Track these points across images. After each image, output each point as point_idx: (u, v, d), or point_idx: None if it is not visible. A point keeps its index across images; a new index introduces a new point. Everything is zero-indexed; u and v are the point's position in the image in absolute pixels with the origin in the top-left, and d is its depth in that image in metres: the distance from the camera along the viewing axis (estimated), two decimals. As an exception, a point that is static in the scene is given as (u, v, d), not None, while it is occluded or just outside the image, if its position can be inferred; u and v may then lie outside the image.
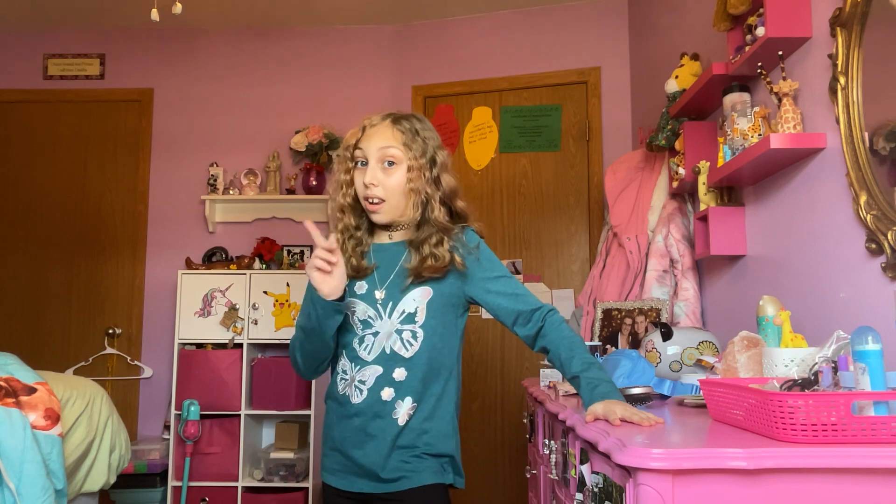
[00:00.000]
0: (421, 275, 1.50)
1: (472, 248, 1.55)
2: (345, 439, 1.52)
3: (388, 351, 1.50)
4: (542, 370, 2.47)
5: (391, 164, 1.52)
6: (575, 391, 1.54)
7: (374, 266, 1.55)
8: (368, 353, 1.51)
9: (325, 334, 1.48)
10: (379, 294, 1.53)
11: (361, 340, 1.52)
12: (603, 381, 1.42)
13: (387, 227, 1.58)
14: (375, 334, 1.51)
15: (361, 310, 1.53)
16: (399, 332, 1.51)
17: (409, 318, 1.51)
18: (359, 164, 1.54)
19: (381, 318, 1.52)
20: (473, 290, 1.55)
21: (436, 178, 1.55)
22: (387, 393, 1.49)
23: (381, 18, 4.16)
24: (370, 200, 1.52)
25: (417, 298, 1.51)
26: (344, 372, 1.54)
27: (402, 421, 1.49)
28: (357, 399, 1.51)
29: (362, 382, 1.51)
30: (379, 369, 1.50)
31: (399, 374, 1.50)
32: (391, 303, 1.52)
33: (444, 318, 1.54)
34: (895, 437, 1.04)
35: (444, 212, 1.54)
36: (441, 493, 1.51)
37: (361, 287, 1.54)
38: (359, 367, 1.52)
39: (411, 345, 1.50)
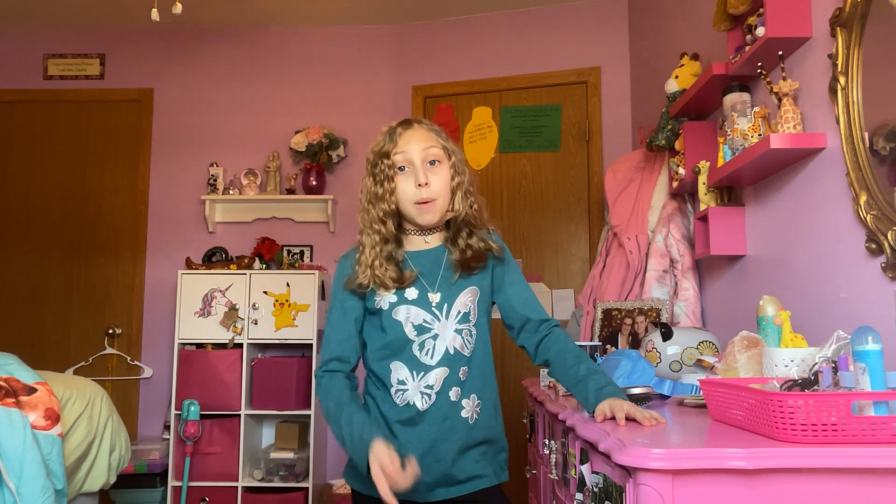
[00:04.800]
0: (468, 265, 1.54)
1: (499, 247, 1.60)
2: (412, 448, 1.49)
3: (451, 351, 1.51)
4: (542, 370, 2.47)
5: (433, 163, 1.53)
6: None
7: (417, 273, 1.54)
8: (432, 358, 1.51)
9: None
10: (433, 297, 1.53)
11: (422, 346, 1.51)
12: (609, 383, 1.44)
13: (422, 232, 1.58)
14: (435, 337, 1.51)
15: (416, 315, 1.52)
16: (458, 331, 1.52)
17: (465, 317, 1.53)
18: (399, 169, 1.53)
19: (438, 320, 1.52)
20: (494, 288, 1.60)
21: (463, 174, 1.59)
22: (454, 393, 1.51)
23: (381, 18, 4.16)
24: (423, 201, 1.52)
25: (470, 298, 1.54)
26: (401, 383, 1.51)
27: (471, 420, 1.52)
28: (425, 405, 1.50)
29: (429, 387, 1.50)
30: (446, 371, 1.51)
31: (463, 372, 1.52)
32: (446, 304, 1.53)
33: (489, 317, 1.60)
34: (895, 437, 1.04)
35: (473, 206, 1.58)
36: (502, 492, 1.58)
37: (412, 293, 1.53)
38: (422, 373, 1.51)
39: (470, 343, 1.53)
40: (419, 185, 1.51)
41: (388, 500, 1.31)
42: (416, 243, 1.59)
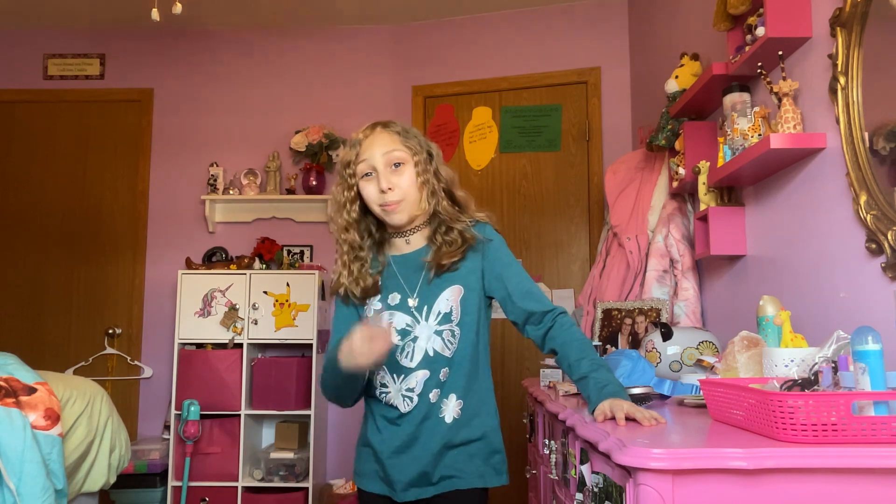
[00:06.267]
0: (441, 264, 1.52)
1: (489, 240, 1.58)
2: (390, 444, 1.52)
3: (431, 353, 1.51)
4: (542, 370, 2.47)
5: (398, 165, 1.53)
6: (576, 391, 1.54)
7: (378, 280, 1.55)
8: (411, 360, 1.52)
9: (359, 380, 1.51)
10: (412, 301, 1.54)
11: (402, 349, 1.52)
12: (611, 381, 1.43)
13: (402, 234, 1.58)
14: (415, 340, 1.52)
15: (398, 320, 1.53)
16: (439, 332, 1.52)
17: (446, 318, 1.53)
18: (363, 176, 1.54)
19: (418, 322, 1.52)
20: (490, 283, 1.57)
21: (436, 171, 1.58)
22: (434, 394, 1.51)
23: (381, 18, 4.16)
24: (388, 204, 1.52)
25: (450, 298, 1.53)
26: (384, 386, 1.54)
27: (448, 419, 1.51)
28: (407, 407, 1.51)
29: (411, 390, 1.51)
30: (426, 373, 1.51)
31: (444, 373, 1.52)
32: (426, 306, 1.53)
33: (479, 315, 1.56)
34: (895, 437, 1.04)
35: (448, 202, 1.57)
36: (481, 498, 1.55)
37: (395, 298, 1.54)
38: (403, 376, 1.52)
39: (452, 344, 1.52)
40: (381, 190, 1.51)
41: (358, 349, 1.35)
42: (398, 246, 1.60)
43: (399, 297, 1.54)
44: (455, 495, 1.51)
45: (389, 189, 1.51)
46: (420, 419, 1.50)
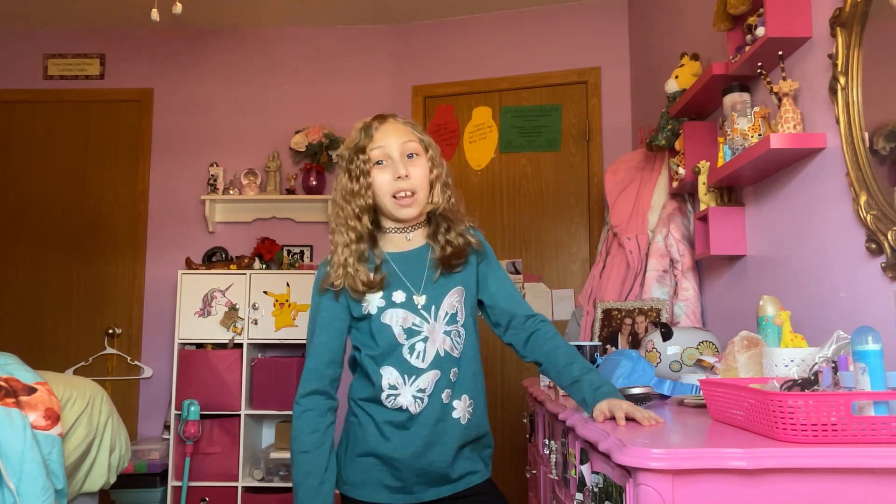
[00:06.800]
0: (448, 263, 1.52)
1: (479, 241, 1.59)
2: (405, 450, 1.49)
3: (442, 353, 1.50)
4: (542, 370, 2.46)
5: (411, 156, 1.52)
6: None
7: (385, 276, 1.51)
8: (422, 360, 1.49)
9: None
10: (419, 299, 1.51)
11: (412, 349, 1.49)
12: (605, 383, 1.43)
13: (403, 230, 1.55)
14: (425, 340, 1.50)
15: (403, 318, 1.50)
16: (448, 332, 1.51)
17: (453, 318, 1.52)
18: (375, 164, 1.51)
19: (427, 322, 1.50)
20: (481, 286, 1.59)
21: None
22: (446, 395, 1.50)
23: (381, 18, 4.16)
24: (403, 194, 1.49)
25: (456, 299, 1.53)
26: (393, 388, 1.49)
27: (464, 420, 1.51)
28: (417, 408, 1.48)
29: (422, 391, 1.48)
30: (437, 373, 1.49)
31: (454, 374, 1.51)
32: (433, 306, 1.51)
33: (475, 316, 1.58)
34: (895, 437, 1.04)
35: (451, 199, 1.56)
36: (495, 485, 1.60)
37: (399, 296, 1.51)
38: (414, 376, 1.49)
39: (459, 344, 1.52)
40: (398, 177, 1.49)
41: None
42: (397, 243, 1.56)
43: (404, 295, 1.51)
44: (479, 489, 1.54)
45: (406, 176, 1.49)
46: (434, 421, 1.48)
